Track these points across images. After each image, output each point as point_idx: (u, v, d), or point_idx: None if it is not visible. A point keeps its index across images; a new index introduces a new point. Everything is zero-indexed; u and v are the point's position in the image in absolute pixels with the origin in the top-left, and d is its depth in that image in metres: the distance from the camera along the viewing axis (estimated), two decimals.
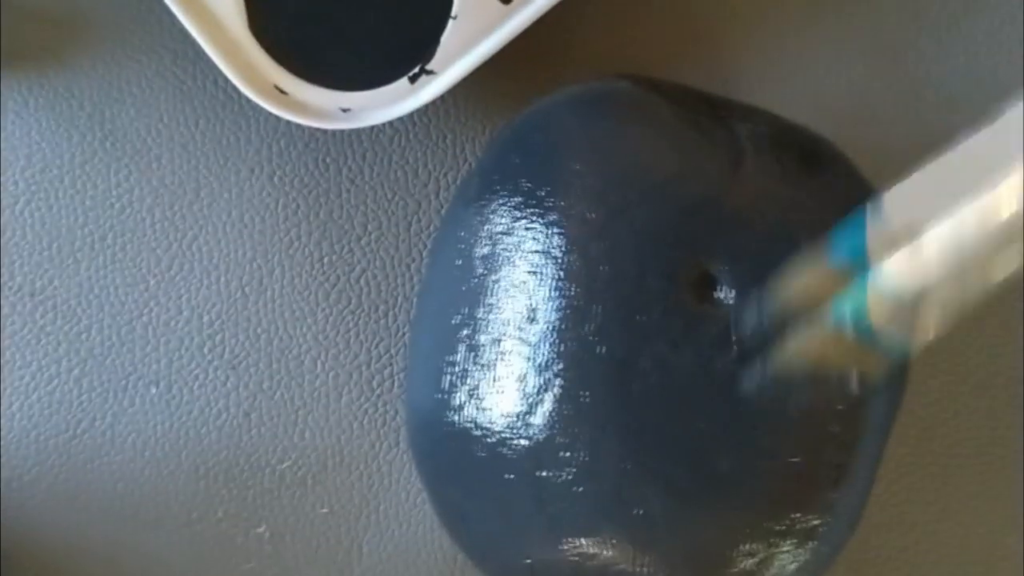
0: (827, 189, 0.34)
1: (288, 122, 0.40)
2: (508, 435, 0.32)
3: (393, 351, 0.40)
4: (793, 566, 0.32)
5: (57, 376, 0.39)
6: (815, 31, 0.41)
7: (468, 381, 0.33)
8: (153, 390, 0.40)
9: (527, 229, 0.33)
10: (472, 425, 0.33)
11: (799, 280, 0.32)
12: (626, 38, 0.41)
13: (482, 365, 0.33)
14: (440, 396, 0.34)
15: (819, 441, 0.32)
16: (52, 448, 0.39)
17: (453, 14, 0.36)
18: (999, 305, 0.41)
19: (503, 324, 0.32)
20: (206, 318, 0.40)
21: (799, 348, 0.31)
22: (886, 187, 0.30)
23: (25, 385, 0.39)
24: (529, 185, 0.33)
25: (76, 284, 0.40)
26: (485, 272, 0.33)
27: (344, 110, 0.37)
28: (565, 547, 0.32)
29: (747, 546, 0.32)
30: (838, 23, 0.41)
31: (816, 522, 0.32)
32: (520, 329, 0.32)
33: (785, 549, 0.32)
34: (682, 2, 0.41)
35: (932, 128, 0.41)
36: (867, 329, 0.30)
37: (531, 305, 0.32)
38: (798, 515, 0.32)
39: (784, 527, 0.32)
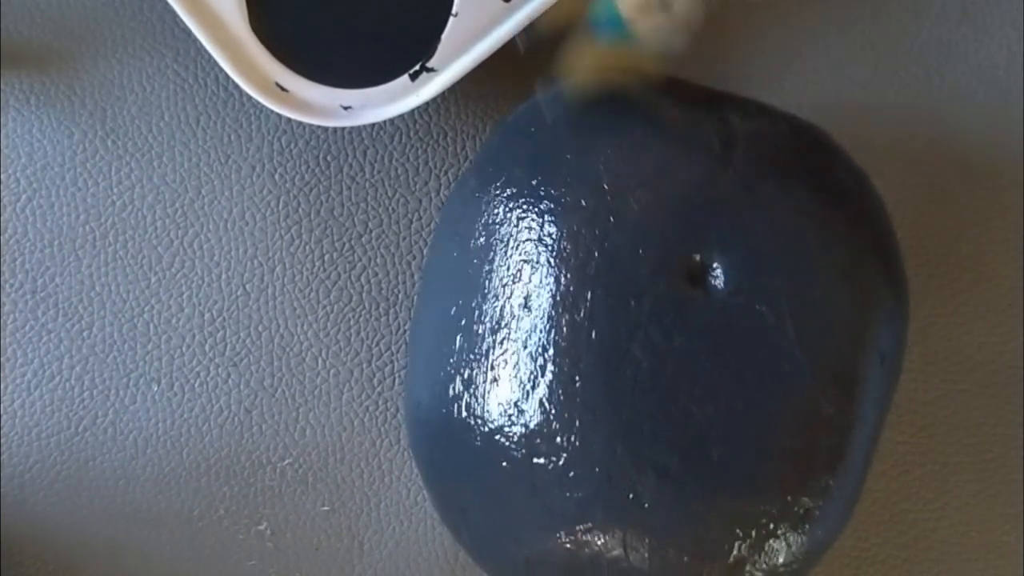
0: (819, 176, 0.34)
1: (289, 120, 0.40)
2: (503, 423, 0.32)
3: (394, 348, 0.40)
4: (787, 550, 0.32)
5: (59, 373, 0.40)
6: (814, 27, 0.41)
7: (464, 371, 0.33)
8: (154, 387, 0.40)
9: (521, 219, 0.33)
10: (468, 414, 0.33)
11: (574, 62, 0.34)
12: None
13: (478, 354, 0.33)
14: (437, 387, 0.34)
15: (813, 424, 0.32)
16: (54, 445, 0.39)
17: (454, 12, 0.36)
18: (999, 304, 0.41)
19: (498, 313, 0.33)
20: (207, 315, 0.40)
21: (575, 69, 0.33)
22: None
23: (27, 382, 0.39)
24: (523, 175, 0.33)
25: (77, 282, 0.40)
26: (480, 262, 0.33)
27: (345, 107, 0.37)
28: (559, 535, 0.32)
29: (740, 530, 0.31)
30: (838, 19, 0.41)
31: (810, 506, 0.32)
32: (515, 318, 0.32)
33: (779, 533, 0.32)
34: None
35: (931, 125, 0.41)
36: (623, 30, 0.32)
37: (525, 293, 0.32)
38: (791, 499, 0.32)
39: (778, 511, 0.32)
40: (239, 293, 0.40)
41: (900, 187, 0.41)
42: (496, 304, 0.33)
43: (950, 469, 0.41)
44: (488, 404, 0.32)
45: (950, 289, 0.41)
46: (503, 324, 0.32)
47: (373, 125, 0.40)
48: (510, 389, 0.32)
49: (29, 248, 0.40)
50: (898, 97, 0.41)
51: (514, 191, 0.33)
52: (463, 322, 0.33)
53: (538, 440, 0.32)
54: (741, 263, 0.32)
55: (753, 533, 0.32)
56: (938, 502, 0.41)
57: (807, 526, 0.32)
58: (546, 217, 0.32)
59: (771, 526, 0.32)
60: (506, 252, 0.33)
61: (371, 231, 0.40)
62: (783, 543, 0.32)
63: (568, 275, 0.32)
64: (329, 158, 0.40)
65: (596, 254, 0.32)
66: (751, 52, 0.41)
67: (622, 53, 0.33)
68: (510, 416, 0.32)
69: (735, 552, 0.32)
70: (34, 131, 0.40)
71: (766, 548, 0.32)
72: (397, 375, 0.40)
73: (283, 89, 0.37)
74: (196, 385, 0.40)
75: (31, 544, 0.39)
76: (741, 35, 0.41)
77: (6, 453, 0.39)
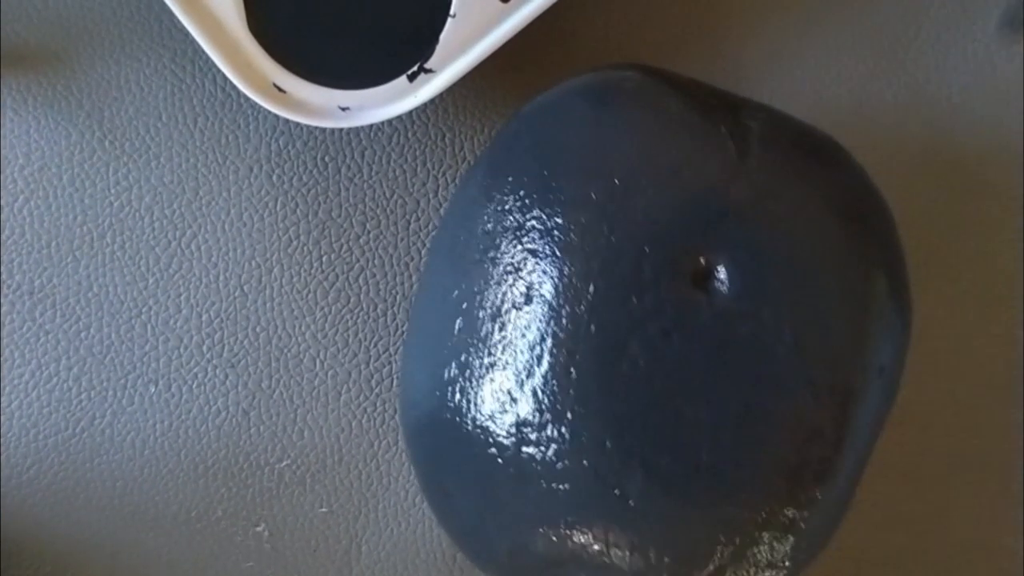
0: (832, 189, 0.34)
1: (287, 121, 0.40)
2: (496, 410, 0.32)
3: (392, 350, 0.40)
4: (770, 559, 0.32)
5: (56, 374, 0.39)
6: (818, 28, 0.41)
7: (461, 355, 0.33)
8: (152, 389, 0.40)
9: (530, 208, 0.33)
10: (462, 397, 0.33)
11: None
12: (627, 37, 0.41)
13: (476, 339, 0.33)
14: (434, 368, 0.34)
15: (806, 435, 0.32)
16: (51, 446, 0.39)
17: (452, 12, 0.36)
18: (999, 304, 0.41)
19: (500, 300, 0.32)
20: (205, 317, 0.40)
21: None
22: None
23: (24, 383, 0.39)
24: (536, 167, 0.33)
25: (75, 282, 0.40)
26: (486, 248, 0.33)
27: (343, 108, 0.37)
28: (542, 527, 0.32)
29: (724, 535, 0.31)
30: (837, 19, 0.41)
31: (796, 517, 0.32)
32: (516, 306, 0.32)
33: (763, 542, 0.32)
34: None
35: (932, 127, 0.41)
36: None
37: (528, 282, 0.32)
38: (778, 509, 0.32)
39: (762, 520, 0.32)
40: (237, 294, 0.40)
41: (900, 187, 0.41)
42: (499, 290, 0.33)
43: (950, 469, 0.41)
44: (482, 390, 0.32)
45: (950, 289, 0.41)
46: (504, 311, 0.32)
47: (371, 126, 0.40)
48: (505, 376, 0.32)
49: (26, 249, 0.39)
50: (897, 97, 0.41)
51: (525, 180, 0.33)
52: (464, 305, 0.33)
53: (529, 429, 0.31)
54: (746, 269, 0.32)
55: (736, 540, 0.31)
56: (938, 502, 0.41)
57: (791, 537, 0.32)
58: (555, 208, 0.32)
59: (755, 534, 0.32)
60: (512, 240, 0.33)
61: (369, 232, 0.40)
62: (766, 552, 0.32)
63: (572, 267, 0.32)
64: (327, 159, 0.40)
65: (602, 248, 0.32)
66: (751, 51, 0.41)
67: None
68: (503, 404, 0.32)
69: (717, 558, 0.31)
70: (31, 132, 0.40)
71: (748, 556, 0.32)
72: (395, 376, 0.40)
73: (281, 90, 0.37)
74: (194, 386, 0.40)
75: (29, 544, 0.39)
76: (740, 35, 0.41)
77: (4, 454, 0.39)
